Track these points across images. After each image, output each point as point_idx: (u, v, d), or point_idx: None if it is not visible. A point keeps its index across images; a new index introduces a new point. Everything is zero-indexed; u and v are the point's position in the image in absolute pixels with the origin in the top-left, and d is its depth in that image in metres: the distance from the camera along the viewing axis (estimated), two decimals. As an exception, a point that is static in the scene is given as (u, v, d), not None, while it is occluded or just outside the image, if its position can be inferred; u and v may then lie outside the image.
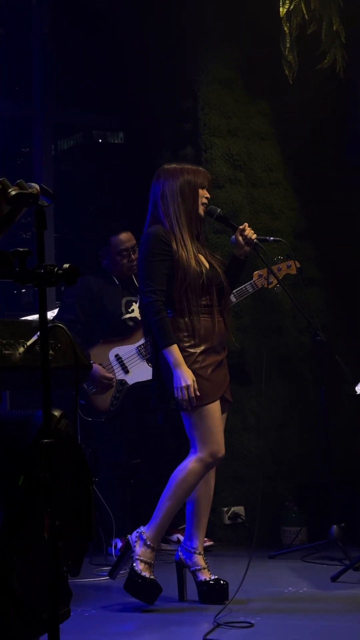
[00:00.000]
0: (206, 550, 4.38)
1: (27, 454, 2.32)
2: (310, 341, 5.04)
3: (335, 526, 4.75)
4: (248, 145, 5.81)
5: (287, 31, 5.32)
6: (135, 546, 3.87)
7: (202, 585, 3.92)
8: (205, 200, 4.04)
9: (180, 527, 5.30)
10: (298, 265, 4.94)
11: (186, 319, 3.90)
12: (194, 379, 3.82)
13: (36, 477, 2.22)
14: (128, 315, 5.22)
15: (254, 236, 4.12)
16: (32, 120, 6.05)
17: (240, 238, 4.09)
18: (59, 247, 6.10)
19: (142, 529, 3.90)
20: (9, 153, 6.20)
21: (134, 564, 3.84)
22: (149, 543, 3.86)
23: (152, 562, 3.86)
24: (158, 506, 3.90)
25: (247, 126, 5.82)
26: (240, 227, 4.12)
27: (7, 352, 2.27)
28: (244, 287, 4.84)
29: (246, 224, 4.16)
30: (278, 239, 4.94)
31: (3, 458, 2.33)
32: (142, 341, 5.01)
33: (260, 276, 4.86)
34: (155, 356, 3.98)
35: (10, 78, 6.15)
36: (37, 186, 2.22)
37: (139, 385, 5.01)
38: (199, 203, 4.01)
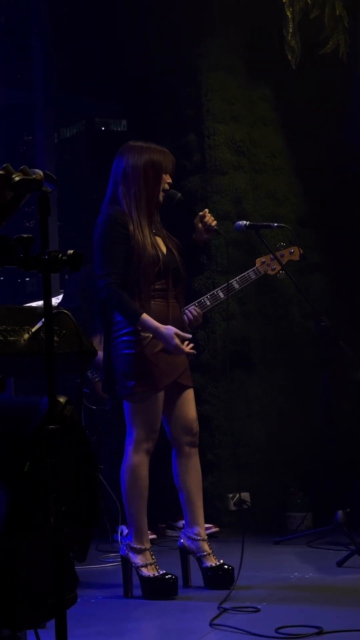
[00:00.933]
0: (212, 536, 4.38)
1: (33, 440, 2.32)
2: (315, 327, 5.04)
3: (340, 511, 4.76)
4: (251, 132, 5.80)
5: (289, 16, 5.30)
6: (129, 558, 3.87)
7: (207, 570, 3.93)
8: (166, 186, 3.96)
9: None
10: (301, 251, 4.93)
11: (138, 303, 3.82)
12: (176, 330, 3.77)
13: (42, 464, 2.22)
14: None
15: (214, 223, 4.05)
16: (34, 108, 6.04)
17: (200, 225, 4.04)
18: (62, 236, 6.10)
19: (126, 541, 3.90)
20: (12, 141, 6.20)
21: (140, 573, 3.84)
22: (139, 547, 3.86)
23: (153, 560, 3.86)
24: (126, 514, 3.92)
25: (250, 112, 5.80)
26: (200, 213, 4.06)
27: (11, 338, 2.26)
28: (247, 273, 4.83)
29: (206, 210, 4.10)
30: (282, 225, 4.95)
31: (8, 444, 2.33)
32: None
33: (263, 263, 4.86)
34: (107, 343, 3.92)
35: (11, 66, 6.14)
36: (40, 172, 2.21)
37: None
38: (160, 188, 3.93)
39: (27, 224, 6.28)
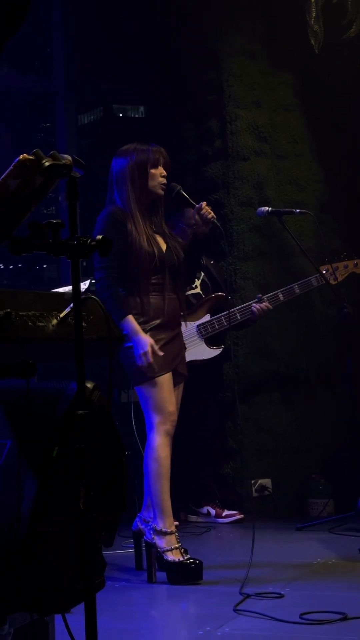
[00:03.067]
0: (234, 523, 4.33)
1: (61, 425, 2.32)
2: (337, 313, 5.03)
3: (362, 498, 4.76)
4: (273, 117, 5.77)
5: (312, 0, 5.26)
6: (155, 543, 3.89)
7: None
8: (162, 180, 4.04)
9: (216, 501, 5.31)
10: None
11: (136, 298, 3.96)
12: (152, 343, 3.89)
13: (69, 449, 2.23)
14: (190, 292, 5.15)
15: (211, 215, 4.12)
16: (54, 94, 6.03)
17: (197, 217, 4.12)
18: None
19: (151, 525, 3.93)
20: (30, 128, 6.19)
21: (165, 558, 3.86)
22: (165, 530, 3.89)
23: (178, 544, 3.89)
24: (150, 497, 3.95)
25: (272, 97, 5.78)
26: (197, 205, 4.13)
27: (40, 324, 2.26)
28: (309, 280, 4.94)
29: (204, 202, 4.15)
30: (304, 211, 4.95)
31: (36, 429, 2.34)
32: (203, 319, 4.99)
33: (326, 271, 4.94)
34: None
35: (31, 52, 6.12)
36: (69, 157, 2.21)
37: (193, 363, 4.85)
38: (152, 183, 4.01)
39: (45, 211, 6.27)
